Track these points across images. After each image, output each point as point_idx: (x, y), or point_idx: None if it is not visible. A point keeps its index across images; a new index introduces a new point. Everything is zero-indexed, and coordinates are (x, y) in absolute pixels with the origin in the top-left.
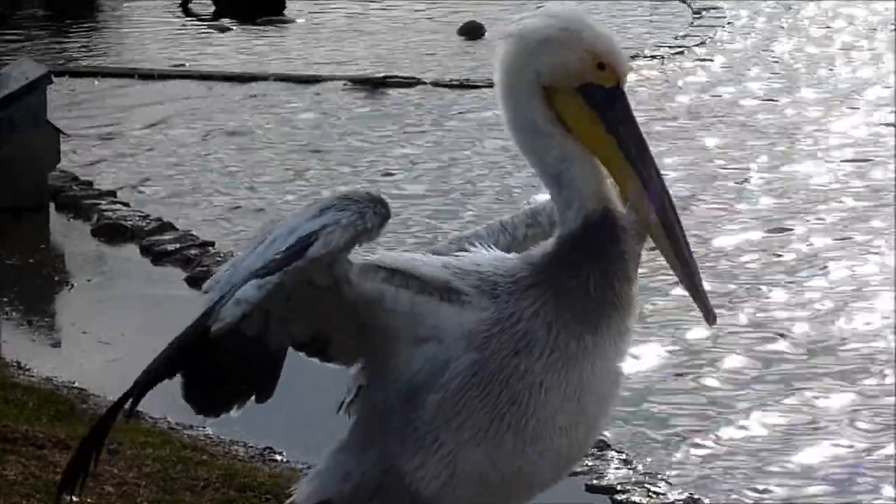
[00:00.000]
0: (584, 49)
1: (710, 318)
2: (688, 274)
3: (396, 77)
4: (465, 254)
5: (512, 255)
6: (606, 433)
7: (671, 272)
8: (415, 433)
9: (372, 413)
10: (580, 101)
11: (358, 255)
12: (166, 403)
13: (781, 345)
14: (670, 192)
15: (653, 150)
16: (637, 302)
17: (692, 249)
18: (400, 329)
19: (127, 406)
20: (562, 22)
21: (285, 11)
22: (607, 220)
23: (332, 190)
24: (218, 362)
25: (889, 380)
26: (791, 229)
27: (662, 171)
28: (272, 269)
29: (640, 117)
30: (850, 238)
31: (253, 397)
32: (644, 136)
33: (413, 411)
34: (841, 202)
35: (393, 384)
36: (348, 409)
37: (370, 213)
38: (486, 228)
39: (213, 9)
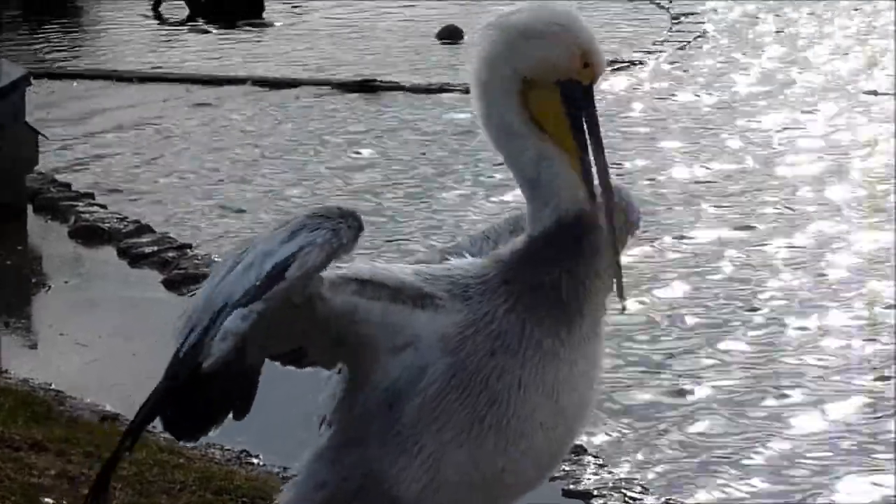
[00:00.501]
0: (577, 45)
1: (622, 296)
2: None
3: (375, 81)
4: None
5: (482, 258)
6: (583, 438)
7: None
8: (396, 438)
9: (351, 420)
10: (557, 95)
11: (329, 268)
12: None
13: (748, 345)
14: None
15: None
16: (608, 298)
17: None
18: (375, 339)
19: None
20: (556, 16)
21: (264, 14)
22: (580, 221)
23: (310, 193)
24: (204, 394)
25: (861, 378)
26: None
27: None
28: (254, 297)
29: (608, 122)
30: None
31: (230, 415)
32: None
33: (393, 417)
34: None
35: (372, 392)
36: (327, 420)
37: (344, 229)
38: (469, 238)
39: (187, 12)
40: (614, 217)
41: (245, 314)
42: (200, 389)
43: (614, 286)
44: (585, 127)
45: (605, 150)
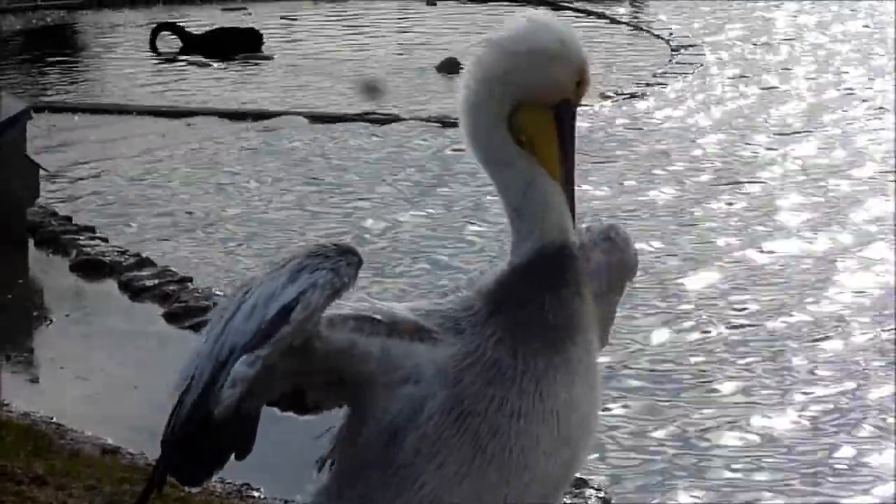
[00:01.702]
0: (577, 66)
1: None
2: None
3: (375, 114)
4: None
5: (467, 293)
6: (583, 470)
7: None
8: (395, 476)
9: (352, 458)
10: (550, 116)
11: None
12: (144, 439)
13: (758, 366)
14: None
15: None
16: (593, 319)
17: None
18: (375, 374)
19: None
20: (559, 35)
21: (263, 48)
22: (563, 249)
23: (317, 230)
24: (210, 440)
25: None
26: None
27: None
28: (259, 342)
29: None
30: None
31: (232, 456)
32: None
33: (393, 453)
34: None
35: (372, 428)
36: (326, 458)
37: (343, 266)
38: (467, 281)
39: (180, 45)
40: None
41: (252, 360)
42: (207, 436)
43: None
44: (567, 142)
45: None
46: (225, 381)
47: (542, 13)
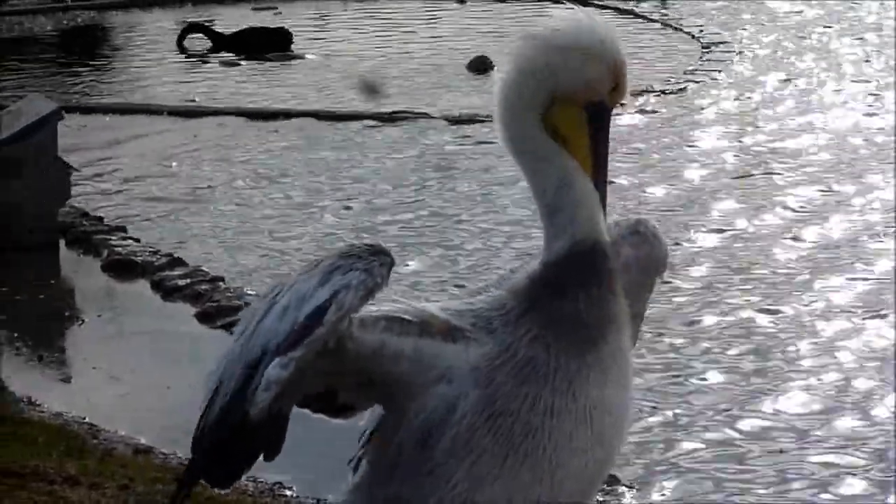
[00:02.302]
0: (615, 67)
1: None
2: None
3: (405, 112)
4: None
5: (499, 290)
6: (616, 467)
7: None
8: (429, 476)
9: (384, 457)
10: (584, 116)
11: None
12: (176, 439)
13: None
14: None
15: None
16: (627, 320)
17: None
18: (407, 375)
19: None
20: (601, 35)
21: (293, 47)
22: (596, 247)
23: (349, 229)
24: (240, 442)
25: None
26: None
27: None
28: (293, 343)
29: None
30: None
31: (261, 457)
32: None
33: (426, 453)
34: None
35: (405, 428)
36: (360, 456)
37: (376, 267)
38: (498, 279)
39: (210, 45)
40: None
41: (286, 362)
42: (239, 438)
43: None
44: (600, 146)
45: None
46: (258, 383)
47: (587, 12)
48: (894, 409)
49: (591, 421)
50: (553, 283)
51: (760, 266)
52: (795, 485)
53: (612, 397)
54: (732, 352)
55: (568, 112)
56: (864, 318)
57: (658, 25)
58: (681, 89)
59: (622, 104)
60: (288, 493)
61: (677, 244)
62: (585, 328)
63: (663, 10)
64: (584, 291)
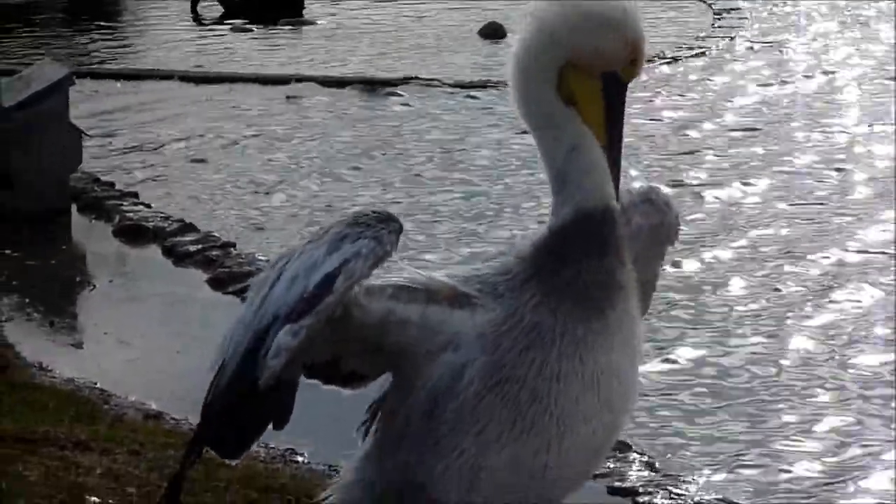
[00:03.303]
0: (633, 41)
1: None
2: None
3: (417, 78)
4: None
5: (505, 257)
6: (627, 434)
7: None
8: (436, 443)
9: (393, 424)
10: (597, 85)
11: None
12: (187, 404)
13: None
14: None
15: None
16: (634, 286)
17: None
18: (414, 342)
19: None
20: (623, 5)
21: (304, 13)
22: (604, 213)
23: (358, 198)
24: (250, 410)
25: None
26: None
27: None
28: (303, 311)
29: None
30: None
31: (270, 426)
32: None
33: (433, 420)
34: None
35: (412, 396)
36: (367, 426)
37: (385, 234)
38: (508, 246)
39: (222, 11)
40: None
41: (296, 329)
42: (248, 405)
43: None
44: (614, 118)
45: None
46: (267, 350)
47: None
48: None
49: (598, 386)
50: (558, 249)
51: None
52: None
53: (620, 363)
54: None
55: (583, 80)
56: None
57: None
58: (690, 54)
59: (636, 79)
60: (299, 459)
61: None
62: (591, 295)
63: None
64: (589, 258)
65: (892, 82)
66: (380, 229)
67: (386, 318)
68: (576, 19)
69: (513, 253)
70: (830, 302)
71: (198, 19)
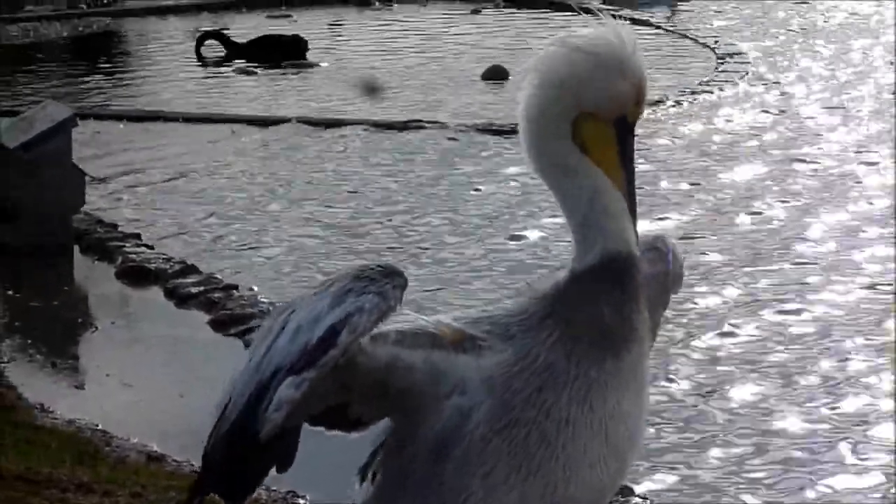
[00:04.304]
0: (639, 80)
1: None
2: None
3: (420, 121)
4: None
5: (520, 298)
6: (630, 479)
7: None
8: (441, 487)
9: (397, 469)
10: (612, 133)
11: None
12: (189, 447)
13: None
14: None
15: None
16: (648, 333)
17: None
18: (419, 387)
19: None
20: (630, 49)
21: (308, 55)
22: (627, 259)
23: (367, 242)
24: (253, 459)
25: None
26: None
27: None
28: (306, 364)
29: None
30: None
31: (273, 470)
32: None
33: (439, 465)
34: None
35: (419, 440)
36: (367, 471)
37: (390, 289)
38: (516, 293)
39: (224, 53)
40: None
41: (298, 382)
42: (250, 455)
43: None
44: (627, 162)
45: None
46: (269, 402)
47: (612, 23)
48: None
49: (606, 432)
50: (580, 291)
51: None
52: None
53: (629, 409)
54: None
55: (595, 127)
56: None
57: (674, 36)
58: (694, 99)
59: (641, 118)
60: (301, 501)
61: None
62: (609, 338)
63: (678, 21)
64: (611, 302)
65: None
66: (384, 284)
67: (391, 364)
68: (584, 69)
69: (529, 294)
70: None
71: (202, 60)
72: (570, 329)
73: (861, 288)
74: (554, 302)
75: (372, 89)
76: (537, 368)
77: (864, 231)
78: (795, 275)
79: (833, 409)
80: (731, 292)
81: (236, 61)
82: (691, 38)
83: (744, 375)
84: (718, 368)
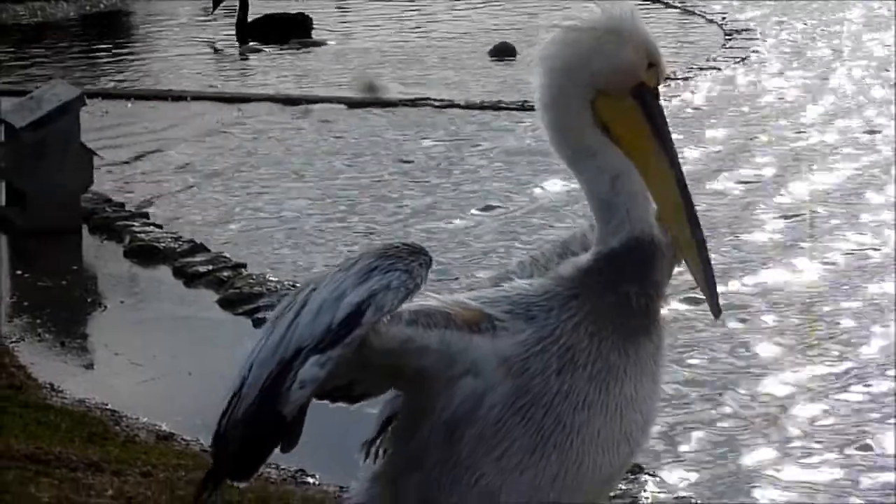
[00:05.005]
0: (641, 43)
1: (716, 311)
2: (708, 275)
3: (428, 99)
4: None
5: (540, 279)
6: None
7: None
8: (454, 469)
9: (408, 446)
10: (632, 104)
11: None
12: (198, 425)
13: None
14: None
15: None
16: (667, 320)
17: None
18: (433, 368)
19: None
20: (623, 15)
21: (313, 33)
22: (652, 243)
23: (371, 222)
24: (271, 438)
25: None
26: None
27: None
28: (331, 342)
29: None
30: None
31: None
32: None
33: (453, 444)
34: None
35: (431, 421)
36: (373, 446)
37: (416, 267)
38: (518, 265)
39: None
40: (697, 219)
41: (323, 361)
42: (268, 434)
43: (707, 298)
44: (663, 134)
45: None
46: (292, 381)
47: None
48: None
49: (621, 418)
50: (607, 275)
51: None
52: None
53: (644, 395)
54: None
55: (616, 104)
56: None
57: (679, 12)
58: (702, 75)
59: (662, 81)
60: (310, 479)
61: None
62: (632, 324)
63: None
64: (635, 286)
65: None
66: (410, 262)
67: (406, 344)
68: (586, 45)
69: (552, 275)
70: None
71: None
72: (594, 312)
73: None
74: (579, 284)
75: (371, 89)
76: (560, 349)
77: None
78: None
79: None
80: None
81: (242, 41)
82: (699, 14)
83: None
84: None
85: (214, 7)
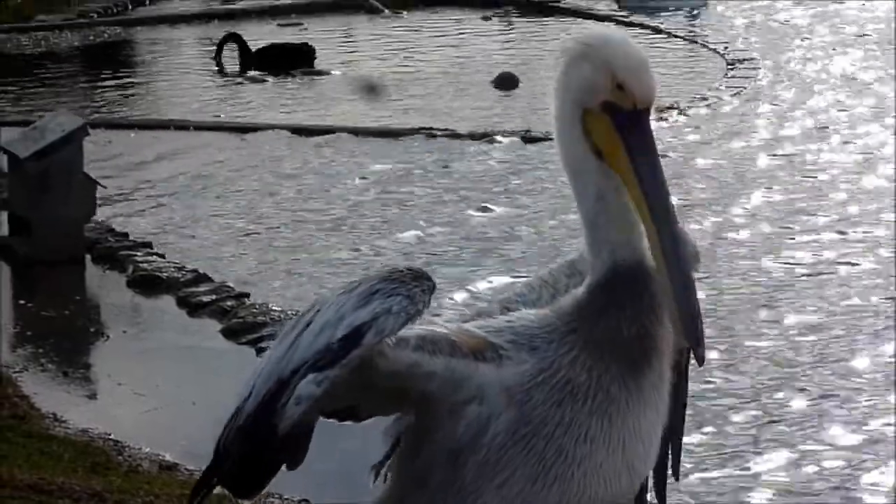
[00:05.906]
0: (602, 63)
1: (700, 355)
2: (685, 316)
3: (431, 129)
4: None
5: (544, 309)
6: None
7: None
8: (458, 493)
9: (412, 472)
10: (608, 121)
11: None
12: (202, 455)
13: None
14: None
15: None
16: (670, 345)
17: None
18: (438, 392)
19: None
20: (590, 36)
21: (317, 63)
22: (636, 269)
23: (376, 248)
24: (270, 454)
25: None
26: None
27: None
28: (329, 362)
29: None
30: None
31: (284, 467)
32: (660, 167)
33: (455, 471)
34: None
35: (434, 446)
36: (380, 470)
37: (418, 293)
38: (526, 286)
39: (238, 62)
40: (679, 247)
41: (320, 379)
42: (265, 450)
43: (685, 333)
44: (635, 153)
45: (663, 178)
46: (288, 397)
47: (604, 26)
48: None
49: (623, 450)
50: (597, 306)
51: None
52: None
53: (647, 426)
54: None
55: (597, 123)
56: None
57: (683, 42)
58: (704, 105)
59: (645, 107)
60: None
61: None
62: (629, 354)
63: (689, 28)
64: (624, 315)
65: None
66: (413, 287)
67: (411, 369)
68: (564, 65)
69: (555, 307)
70: None
71: (221, 67)
72: (590, 345)
73: None
74: (577, 318)
75: (371, 89)
76: (558, 383)
77: None
78: None
79: None
80: None
81: (246, 70)
82: (701, 44)
83: None
84: None
85: (218, 55)
